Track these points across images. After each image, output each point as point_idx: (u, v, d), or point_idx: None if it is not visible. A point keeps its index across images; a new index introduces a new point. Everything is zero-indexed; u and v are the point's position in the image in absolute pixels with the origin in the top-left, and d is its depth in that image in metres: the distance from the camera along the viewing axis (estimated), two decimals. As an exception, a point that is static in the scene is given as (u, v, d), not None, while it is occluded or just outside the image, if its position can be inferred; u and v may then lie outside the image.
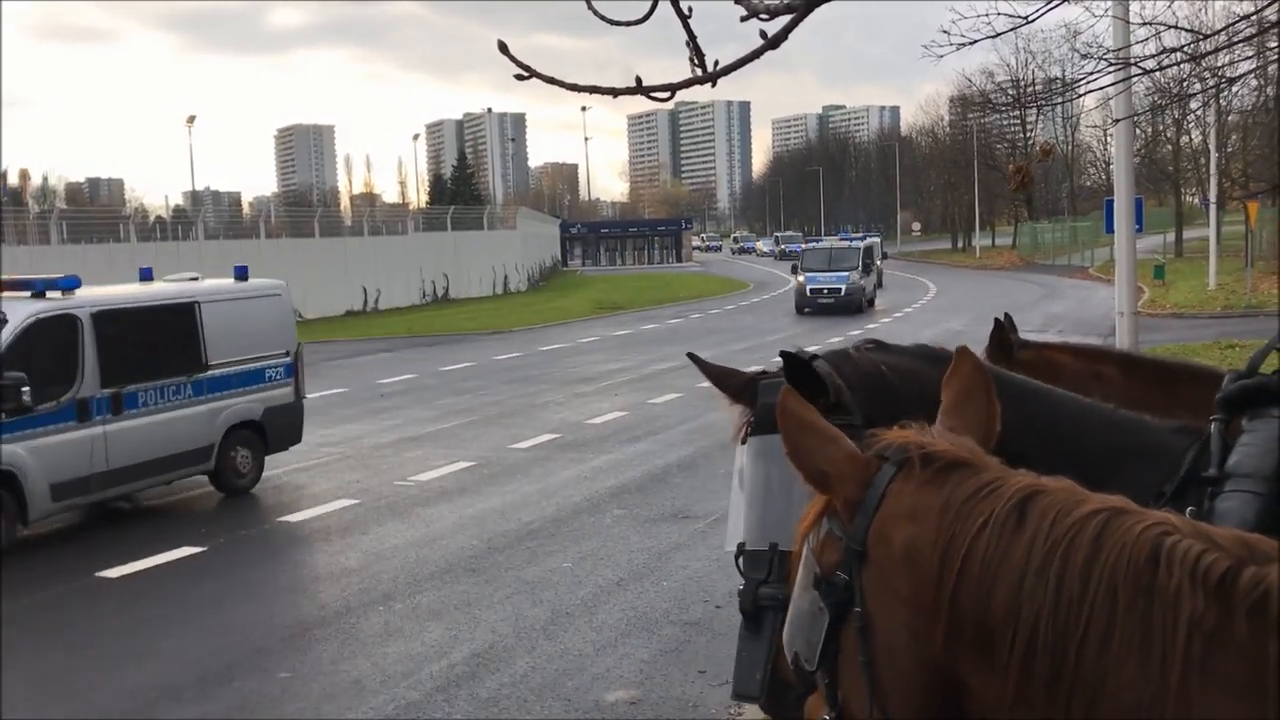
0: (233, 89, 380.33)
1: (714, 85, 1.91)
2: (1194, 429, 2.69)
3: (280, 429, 13.26)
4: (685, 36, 2.01)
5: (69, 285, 11.42)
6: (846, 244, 41.15)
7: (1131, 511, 1.49)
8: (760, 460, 2.82)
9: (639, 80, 1.93)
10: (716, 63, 2.01)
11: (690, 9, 1.98)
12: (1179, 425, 2.73)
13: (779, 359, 2.89)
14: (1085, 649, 1.39)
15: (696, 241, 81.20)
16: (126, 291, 12.53)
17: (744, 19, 1.89)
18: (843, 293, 36.43)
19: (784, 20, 1.88)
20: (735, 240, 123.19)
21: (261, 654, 7.75)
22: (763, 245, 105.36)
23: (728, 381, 3.02)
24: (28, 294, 11.10)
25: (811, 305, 36.49)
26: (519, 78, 1.92)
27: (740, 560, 2.79)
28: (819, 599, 1.69)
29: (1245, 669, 1.28)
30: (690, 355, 3.29)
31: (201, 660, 7.62)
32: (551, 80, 1.90)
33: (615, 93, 1.92)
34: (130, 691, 7.16)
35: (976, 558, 1.50)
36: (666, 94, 1.95)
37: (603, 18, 2.05)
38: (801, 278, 37.67)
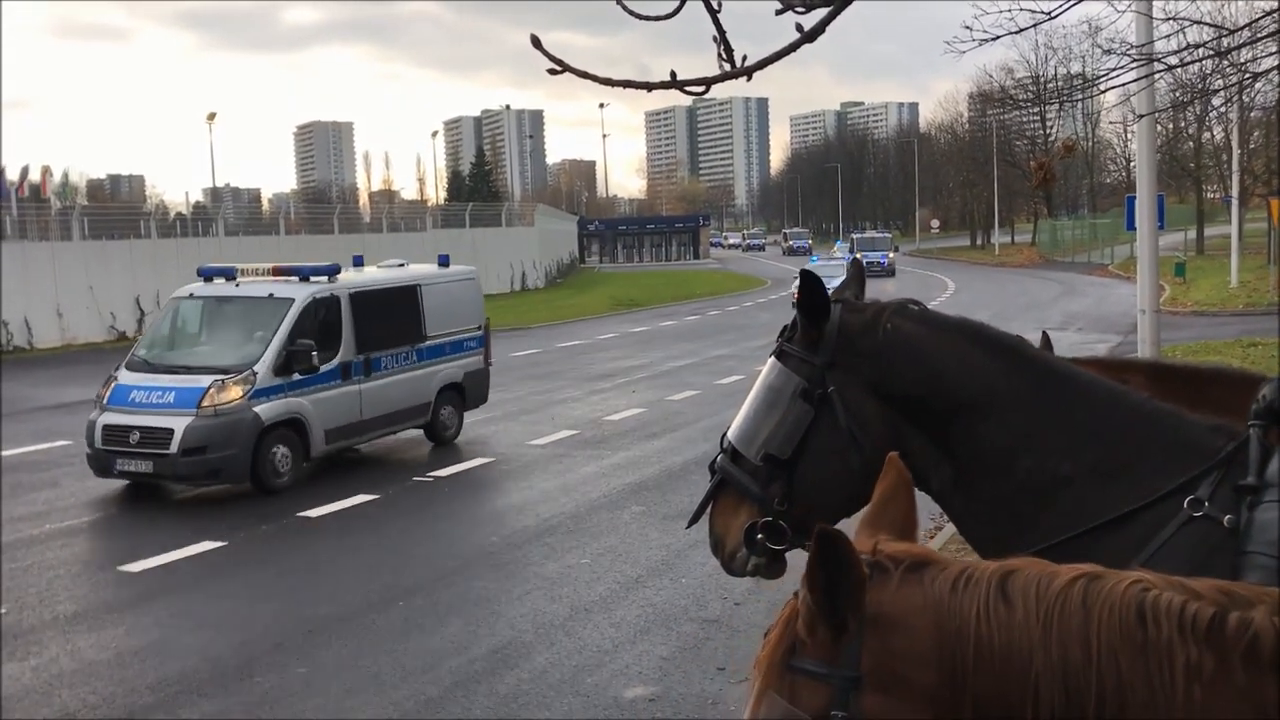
0: (251, 86, 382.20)
1: (749, 79, 1.90)
2: (1232, 430, 2.65)
3: (475, 390, 15.59)
4: (701, 33, 2.01)
5: (331, 271, 13.70)
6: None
7: (1107, 574, 1.52)
8: (768, 378, 3.10)
9: (673, 74, 1.91)
10: (744, 58, 1.99)
11: (719, 3, 1.96)
12: (1216, 425, 2.69)
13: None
14: (1104, 716, 1.41)
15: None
16: (368, 276, 14.82)
17: (779, 13, 1.87)
18: None
19: (820, 13, 1.86)
20: (785, 237, 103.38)
21: (281, 649, 7.77)
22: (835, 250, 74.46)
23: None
24: (296, 279, 13.40)
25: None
26: (552, 72, 1.92)
27: (722, 440, 3.21)
28: None
29: (1249, 713, 1.33)
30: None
31: (221, 655, 7.65)
32: (585, 74, 1.89)
33: (650, 86, 1.91)
34: (150, 686, 7.19)
35: (985, 649, 1.49)
36: (701, 88, 1.93)
37: (631, 12, 2.04)
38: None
